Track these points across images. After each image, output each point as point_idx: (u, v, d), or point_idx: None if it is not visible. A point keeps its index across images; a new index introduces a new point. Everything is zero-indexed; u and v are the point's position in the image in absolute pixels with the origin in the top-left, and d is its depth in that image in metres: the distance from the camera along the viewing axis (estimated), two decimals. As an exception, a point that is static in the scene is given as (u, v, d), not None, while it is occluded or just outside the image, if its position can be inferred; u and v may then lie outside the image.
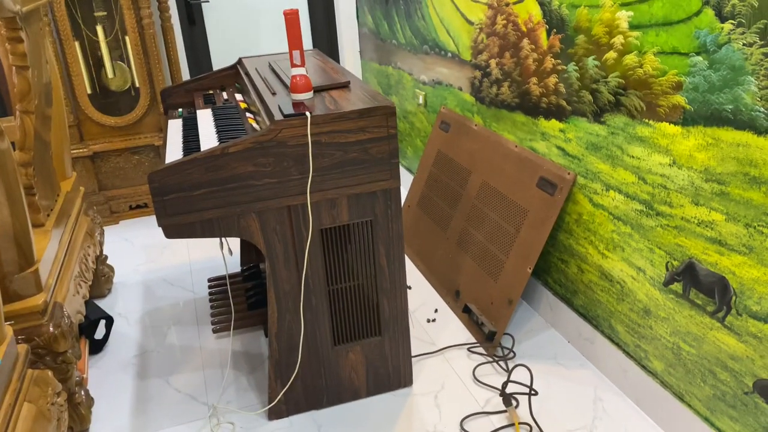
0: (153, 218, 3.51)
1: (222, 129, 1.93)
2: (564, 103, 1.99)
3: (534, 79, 2.13)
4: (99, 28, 3.20)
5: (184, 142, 1.94)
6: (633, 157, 1.72)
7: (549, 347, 2.19)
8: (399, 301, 1.90)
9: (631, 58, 1.66)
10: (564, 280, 2.17)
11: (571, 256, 2.09)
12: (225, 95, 2.38)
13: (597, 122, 1.85)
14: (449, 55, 2.75)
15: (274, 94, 1.87)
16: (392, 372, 1.99)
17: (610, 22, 1.71)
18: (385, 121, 1.69)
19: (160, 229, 2.99)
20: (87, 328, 2.28)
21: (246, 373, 2.15)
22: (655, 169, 1.65)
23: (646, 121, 1.65)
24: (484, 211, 2.37)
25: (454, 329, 2.32)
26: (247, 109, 2.08)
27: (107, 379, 2.19)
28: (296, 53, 1.74)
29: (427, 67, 3.02)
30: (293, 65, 1.76)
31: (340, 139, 1.66)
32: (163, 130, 3.39)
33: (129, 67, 3.29)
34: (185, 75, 3.63)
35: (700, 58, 1.44)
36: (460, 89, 2.71)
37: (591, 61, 1.82)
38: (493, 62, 2.38)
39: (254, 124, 1.89)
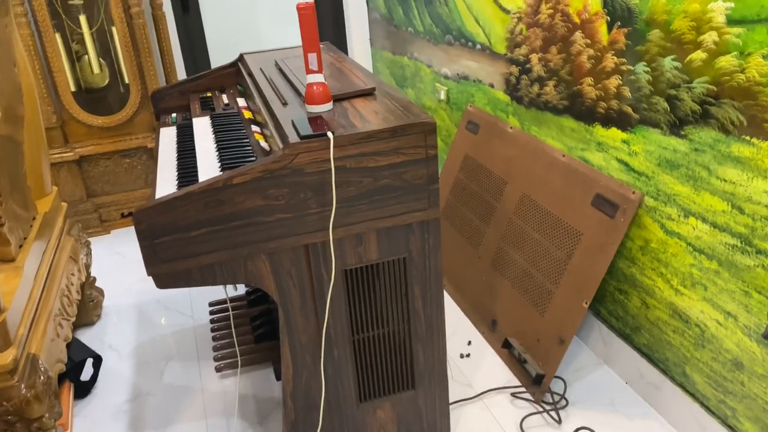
0: (147, 227, 3.20)
1: (223, 146, 1.62)
2: (629, 110, 1.67)
3: (588, 80, 1.81)
4: (82, 18, 2.86)
5: (178, 160, 1.63)
6: (725, 180, 1.41)
7: (604, 390, 1.89)
8: (436, 348, 1.60)
9: (727, 60, 1.34)
10: (622, 313, 1.87)
11: (633, 287, 1.79)
12: (225, 98, 2.06)
13: (674, 135, 1.54)
14: (478, 47, 2.42)
15: (285, 104, 1.55)
16: (427, 428, 1.70)
17: (699, 15, 1.39)
18: (424, 140, 1.38)
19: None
20: (72, 369, 1.99)
21: (255, 422, 1.87)
22: (756, 197, 1.34)
23: (747, 138, 1.34)
24: (524, 230, 2.06)
25: (492, 367, 2.02)
26: (252, 120, 1.76)
27: (96, 430, 1.90)
28: (312, 57, 1.42)
29: (450, 59, 2.69)
30: (309, 71, 1.44)
31: (369, 164, 1.35)
32: (155, 133, 3.07)
33: (117, 60, 2.95)
34: (179, 68, 3.30)
35: (835, 64, 1.12)
36: (492, 86, 2.38)
37: (669, 62, 1.50)
38: (534, 57, 2.06)
39: (261, 141, 1.57)
